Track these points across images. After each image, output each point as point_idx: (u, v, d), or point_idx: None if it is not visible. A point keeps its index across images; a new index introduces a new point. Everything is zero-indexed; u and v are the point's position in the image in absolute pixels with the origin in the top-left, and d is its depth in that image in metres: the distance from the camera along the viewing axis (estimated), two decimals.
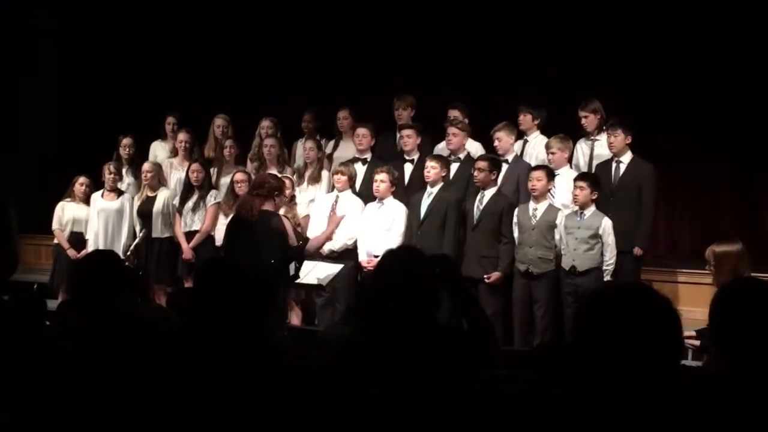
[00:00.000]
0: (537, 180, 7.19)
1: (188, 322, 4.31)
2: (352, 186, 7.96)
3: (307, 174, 8.45)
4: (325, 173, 8.44)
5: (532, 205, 7.25)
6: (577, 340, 2.03)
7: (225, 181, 8.59)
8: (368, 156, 8.38)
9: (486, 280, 7.23)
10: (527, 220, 7.20)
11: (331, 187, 8.15)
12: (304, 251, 6.68)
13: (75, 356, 2.96)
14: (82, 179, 8.92)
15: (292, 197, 7.97)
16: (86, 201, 8.86)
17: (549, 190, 7.29)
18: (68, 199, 8.92)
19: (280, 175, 7.88)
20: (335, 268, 7.02)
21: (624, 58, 9.58)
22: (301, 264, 6.64)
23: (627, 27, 9.61)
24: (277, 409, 2.84)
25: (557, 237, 7.17)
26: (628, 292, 2.08)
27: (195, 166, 8.50)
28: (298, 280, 6.77)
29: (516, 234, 7.28)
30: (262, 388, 3.06)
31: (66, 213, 8.86)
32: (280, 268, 6.37)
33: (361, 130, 8.36)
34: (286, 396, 2.99)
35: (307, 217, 8.10)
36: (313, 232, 7.85)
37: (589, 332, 2.01)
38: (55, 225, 8.88)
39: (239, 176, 8.15)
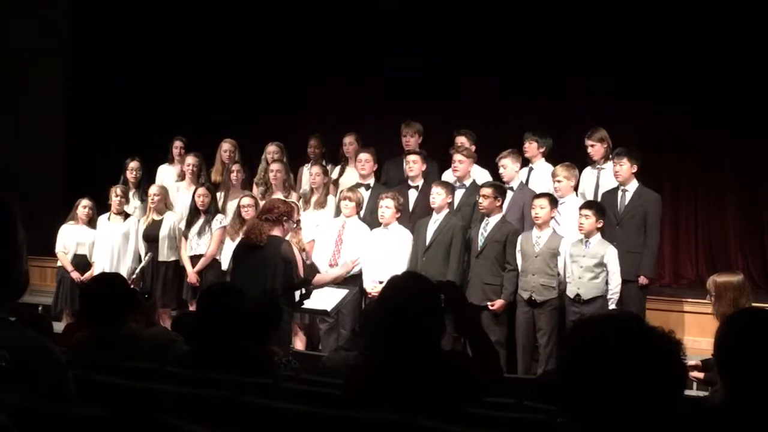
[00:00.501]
0: (540, 208, 7.19)
1: (193, 345, 4.32)
2: (359, 212, 7.97)
3: (313, 199, 8.46)
4: (331, 198, 8.46)
5: (535, 232, 7.25)
6: (565, 369, 2.01)
7: (232, 205, 8.62)
8: (371, 181, 8.40)
9: (490, 308, 7.23)
10: (530, 248, 7.21)
11: (337, 212, 8.16)
12: (310, 285, 6.59)
13: (81, 379, 2.96)
14: (84, 202, 8.92)
15: (297, 222, 7.97)
16: (89, 223, 8.86)
17: (552, 218, 7.29)
18: (71, 222, 8.92)
19: (285, 198, 7.90)
20: (340, 293, 6.97)
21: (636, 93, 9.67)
22: (309, 295, 6.57)
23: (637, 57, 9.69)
24: None
25: (560, 265, 7.17)
26: (614, 321, 2.05)
27: (201, 190, 8.50)
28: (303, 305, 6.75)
29: (519, 261, 7.28)
30: (266, 412, 3.05)
31: (69, 236, 8.86)
32: (286, 293, 6.33)
33: (364, 156, 8.38)
34: (289, 421, 2.99)
35: (312, 242, 8.10)
36: (318, 256, 7.86)
37: (575, 361, 1.99)
38: (58, 248, 8.87)
39: (246, 201, 8.16)
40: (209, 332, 4.11)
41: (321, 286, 6.90)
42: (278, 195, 8.33)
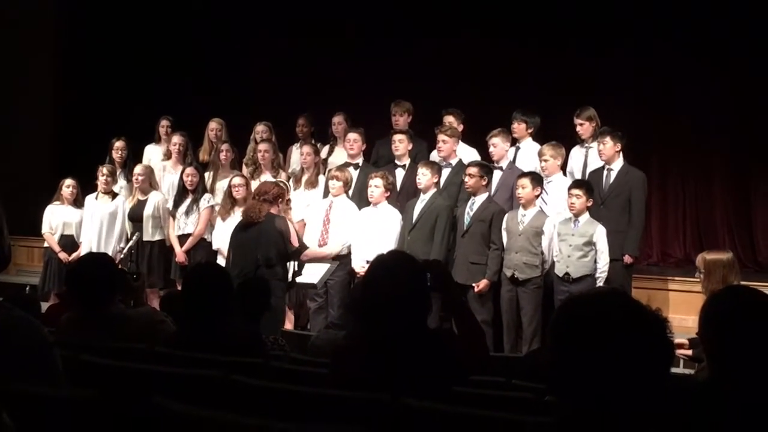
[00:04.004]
0: (522, 188, 7.21)
1: (181, 325, 4.32)
2: (347, 191, 7.96)
3: (304, 178, 8.44)
4: (322, 178, 8.44)
5: (521, 211, 7.26)
6: (553, 347, 2.00)
7: (220, 185, 8.59)
8: (360, 161, 8.38)
9: (475, 290, 7.24)
10: (515, 226, 7.22)
11: (327, 192, 8.14)
12: (299, 255, 6.85)
13: (69, 359, 2.96)
14: (68, 181, 8.90)
15: (288, 201, 7.98)
16: (74, 203, 8.85)
17: (537, 196, 7.28)
18: (57, 202, 8.89)
19: (275, 180, 7.92)
20: (324, 266, 7.21)
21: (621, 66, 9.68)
22: (301, 268, 6.83)
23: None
24: (269, 413, 2.84)
25: (544, 243, 7.18)
26: (601, 298, 2.05)
27: (189, 169, 8.48)
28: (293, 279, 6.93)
29: (504, 240, 7.30)
30: (255, 392, 3.06)
31: (55, 216, 8.84)
32: (280, 266, 6.58)
33: (352, 135, 8.35)
34: (278, 400, 3.00)
35: (302, 221, 8.08)
36: (309, 236, 7.85)
37: (562, 339, 1.98)
38: (44, 228, 8.84)
39: (237, 180, 8.12)
40: (195, 311, 4.11)
41: (311, 260, 7.14)
42: (267, 175, 8.35)
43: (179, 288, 8.02)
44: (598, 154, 7.58)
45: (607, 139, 7.48)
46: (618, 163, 7.52)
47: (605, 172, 7.54)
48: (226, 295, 4.17)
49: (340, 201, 7.89)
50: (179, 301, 4.71)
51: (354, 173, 8.22)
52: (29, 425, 2.21)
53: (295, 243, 6.79)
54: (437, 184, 7.67)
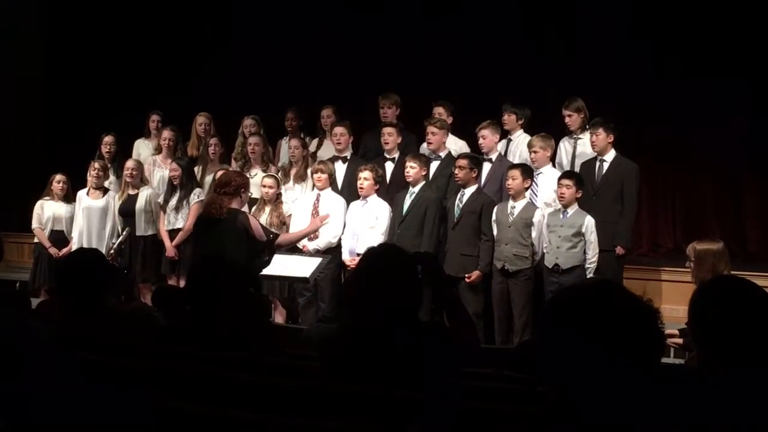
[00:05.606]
0: (512, 179, 7.22)
1: (174, 319, 4.31)
2: (332, 184, 7.96)
3: (293, 172, 8.42)
4: (311, 171, 8.43)
5: (510, 203, 7.27)
6: (545, 338, 2.01)
7: (209, 179, 8.55)
8: (348, 154, 8.37)
9: (466, 280, 7.25)
10: (505, 218, 7.23)
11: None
12: (273, 245, 6.69)
13: (61, 356, 2.96)
14: (58, 177, 8.87)
15: (278, 195, 7.97)
16: (65, 199, 8.83)
17: (527, 188, 7.29)
18: (47, 198, 8.87)
19: (265, 174, 7.90)
20: (316, 260, 7.10)
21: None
22: (271, 257, 6.67)
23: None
24: (262, 407, 2.84)
25: (534, 235, 7.20)
26: (593, 289, 2.05)
27: (173, 165, 8.49)
28: (280, 273, 6.83)
29: (495, 231, 7.30)
30: (247, 386, 3.06)
31: (45, 211, 8.81)
32: (248, 264, 6.42)
33: (339, 129, 8.34)
34: (270, 393, 3.00)
35: (290, 216, 8.07)
36: (295, 230, 7.84)
37: (554, 330, 1.99)
38: (34, 224, 8.82)
39: None
40: (197, 306, 4.09)
41: (289, 244, 7.06)
42: (257, 169, 8.34)
43: (170, 282, 8.03)
44: (591, 145, 7.59)
45: (600, 130, 7.49)
46: (610, 154, 7.53)
47: (598, 163, 7.55)
48: (232, 290, 4.15)
49: (326, 194, 7.89)
50: (171, 295, 4.70)
51: (342, 167, 8.22)
52: (21, 421, 2.21)
53: (261, 236, 6.61)
54: (426, 176, 7.67)
